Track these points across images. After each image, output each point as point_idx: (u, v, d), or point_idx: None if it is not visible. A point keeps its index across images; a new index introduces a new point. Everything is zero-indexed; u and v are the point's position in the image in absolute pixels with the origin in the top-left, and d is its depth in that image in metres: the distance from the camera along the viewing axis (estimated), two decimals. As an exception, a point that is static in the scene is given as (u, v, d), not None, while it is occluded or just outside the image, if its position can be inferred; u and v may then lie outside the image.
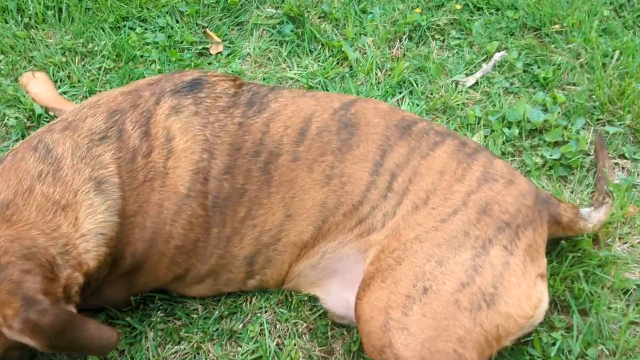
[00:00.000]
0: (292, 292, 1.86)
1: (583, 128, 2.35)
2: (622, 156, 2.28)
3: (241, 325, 1.84)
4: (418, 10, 2.79)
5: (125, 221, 1.63)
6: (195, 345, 1.78)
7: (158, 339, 1.80)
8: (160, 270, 1.74)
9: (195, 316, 1.85)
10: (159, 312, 1.86)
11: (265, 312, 1.86)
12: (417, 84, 2.50)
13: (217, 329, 1.82)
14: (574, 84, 2.52)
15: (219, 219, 1.71)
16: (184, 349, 1.79)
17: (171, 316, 1.86)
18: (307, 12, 2.76)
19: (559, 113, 2.37)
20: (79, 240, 1.55)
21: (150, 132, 1.66)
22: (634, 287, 1.86)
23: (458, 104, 2.42)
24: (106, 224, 1.60)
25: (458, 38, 2.73)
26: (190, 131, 1.68)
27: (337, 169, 1.70)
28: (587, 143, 2.28)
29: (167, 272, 1.75)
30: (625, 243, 1.99)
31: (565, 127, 2.33)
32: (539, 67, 2.56)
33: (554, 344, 1.74)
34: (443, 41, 2.72)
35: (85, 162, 1.60)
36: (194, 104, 1.71)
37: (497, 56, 2.62)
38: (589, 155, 2.27)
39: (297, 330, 1.83)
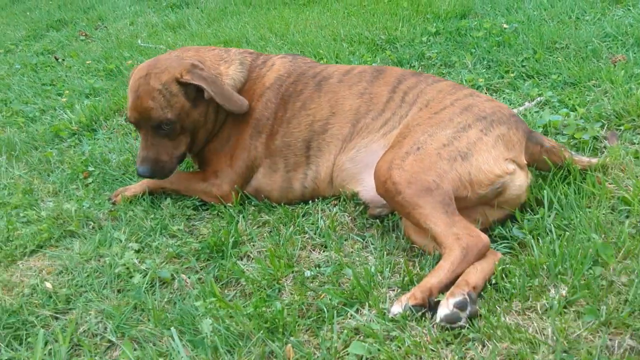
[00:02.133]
0: (341, 192, 2.58)
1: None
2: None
3: (304, 218, 2.58)
4: (482, 80, 3.68)
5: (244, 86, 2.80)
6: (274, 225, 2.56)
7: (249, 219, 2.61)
8: (246, 140, 2.69)
9: (278, 211, 2.64)
10: (252, 207, 2.69)
11: (323, 211, 2.60)
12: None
13: (292, 218, 2.57)
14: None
15: (282, 106, 2.68)
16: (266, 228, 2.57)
17: (259, 212, 2.67)
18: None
19: (576, 118, 2.98)
20: (224, 76, 2.76)
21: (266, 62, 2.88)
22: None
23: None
24: (237, 74, 2.80)
25: (508, 93, 3.52)
26: (285, 67, 2.82)
27: (368, 90, 2.57)
28: (599, 133, 2.83)
29: (250, 142, 2.68)
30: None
31: (584, 128, 2.92)
32: (569, 100, 3.23)
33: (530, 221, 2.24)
34: (496, 94, 3.53)
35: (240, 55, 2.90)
36: (298, 60, 2.89)
37: (539, 99, 3.35)
38: (600, 142, 2.81)
39: (342, 219, 2.52)
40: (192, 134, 2.70)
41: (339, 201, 2.61)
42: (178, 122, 2.61)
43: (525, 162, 2.30)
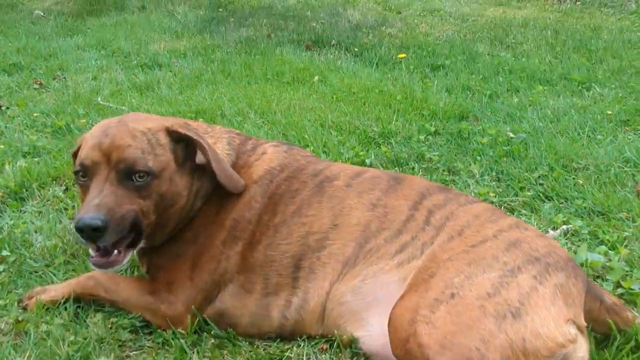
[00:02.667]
0: (335, 334, 1.93)
1: (648, 277, 2.38)
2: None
3: (283, 367, 1.91)
4: (493, 194, 3.16)
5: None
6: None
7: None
8: (217, 247, 2.02)
9: (245, 349, 1.96)
10: (212, 339, 1.99)
11: (308, 357, 1.92)
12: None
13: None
14: (640, 250, 2.62)
15: (270, 209, 2.04)
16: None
17: (221, 349, 1.98)
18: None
19: (619, 260, 2.45)
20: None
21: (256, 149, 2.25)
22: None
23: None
24: (224, 152, 2.18)
25: (527, 215, 3.00)
26: (278, 158, 2.20)
27: (382, 201, 1.97)
28: (651, 284, 2.30)
29: (223, 249, 2.01)
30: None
31: (629, 274, 2.39)
32: (604, 233, 2.72)
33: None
34: (512, 215, 3.00)
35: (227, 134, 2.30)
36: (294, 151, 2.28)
37: (565, 227, 2.83)
38: (654, 296, 2.27)
39: (335, 375, 1.86)
40: (162, 213, 1.99)
41: (331, 346, 1.94)
42: (157, 180, 1.94)
43: (584, 323, 1.72)
